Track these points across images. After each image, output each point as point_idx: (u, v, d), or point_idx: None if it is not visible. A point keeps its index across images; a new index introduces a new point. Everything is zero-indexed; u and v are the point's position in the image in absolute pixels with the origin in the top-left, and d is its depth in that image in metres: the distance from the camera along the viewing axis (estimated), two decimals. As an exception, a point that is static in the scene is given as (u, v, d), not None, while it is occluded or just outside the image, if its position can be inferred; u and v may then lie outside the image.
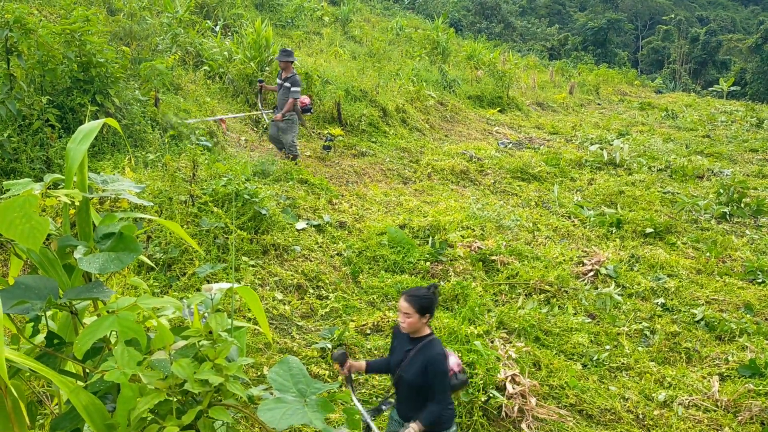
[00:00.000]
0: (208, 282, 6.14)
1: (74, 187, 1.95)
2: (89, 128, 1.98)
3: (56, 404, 2.20)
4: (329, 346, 5.55)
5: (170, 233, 6.37)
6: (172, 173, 7.05)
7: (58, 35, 8.06)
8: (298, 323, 5.97)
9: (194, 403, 1.51)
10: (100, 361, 1.66)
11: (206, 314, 1.74)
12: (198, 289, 5.90)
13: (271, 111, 10.45)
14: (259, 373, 5.04)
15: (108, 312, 1.58)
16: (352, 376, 3.74)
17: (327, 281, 6.71)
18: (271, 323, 5.81)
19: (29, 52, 7.77)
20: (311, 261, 6.98)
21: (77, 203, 1.78)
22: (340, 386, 3.49)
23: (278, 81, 10.02)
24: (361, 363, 3.71)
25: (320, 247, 7.37)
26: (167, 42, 12.56)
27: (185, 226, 6.53)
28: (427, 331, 3.58)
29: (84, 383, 1.72)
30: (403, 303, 3.47)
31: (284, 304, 6.15)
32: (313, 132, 12.67)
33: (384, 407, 3.75)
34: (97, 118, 8.23)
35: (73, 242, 1.82)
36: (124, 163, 7.48)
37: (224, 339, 1.57)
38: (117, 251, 1.76)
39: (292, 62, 9.91)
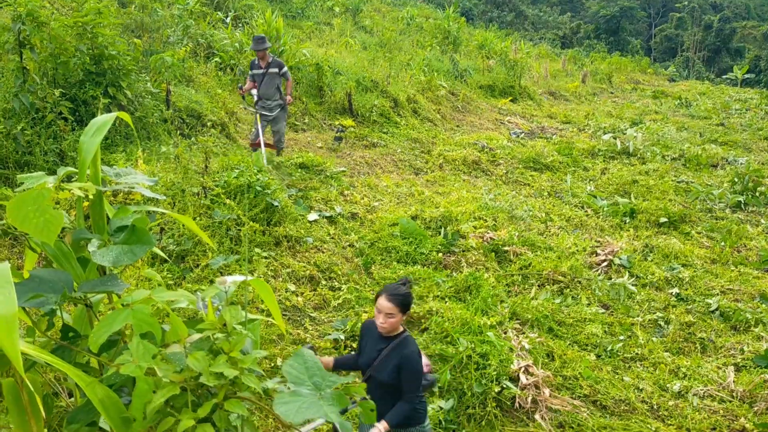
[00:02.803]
0: (222, 274, 6.16)
1: (87, 180, 1.95)
2: (102, 121, 1.98)
3: (72, 397, 2.21)
4: (342, 337, 5.56)
5: (183, 225, 6.39)
6: (185, 165, 7.07)
7: (71, 28, 8.10)
8: (311, 314, 5.98)
9: (209, 396, 1.51)
10: (115, 354, 1.66)
11: (221, 307, 1.74)
12: (212, 281, 5.92)
13: (254, 107, 9.68)
14: (273, 364, 5.06)
15: (123, 305, 1.58)
16: None
17: (339, 272, 6.71)
18: (284, 315, 5.83)
19: (42, 45, 7.81)
20: (323, 252, 6.98)
21: (91, 196, 1.78)
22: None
23: (255, 72, 9.48)
24: (328, 359, 3.57)
25: (332, 238, 7.37)
26: (178, 34, 12.58)
27: (198, 218, 6.55)
28: (401, 328, 3.44)
29: (99, 376, 1.73)
30: (385, 303, 3.30)
31: (297, 295, 6.16)
32: (325, 123, 12.66)
33: (351, 406, 3.67)
34: (110, 111, 8.29)
35: (88, 235, 1.82)
36: (137, 155, 7.50)
37: (239, 332, 1.57)
38: (130, 244, 1.76)
39: (268, 48, 9.53)
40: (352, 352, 3.89)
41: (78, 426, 1.52)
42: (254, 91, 9.51)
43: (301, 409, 1.40)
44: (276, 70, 9.45)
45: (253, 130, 9.52)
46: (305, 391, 1.46)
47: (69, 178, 2.02)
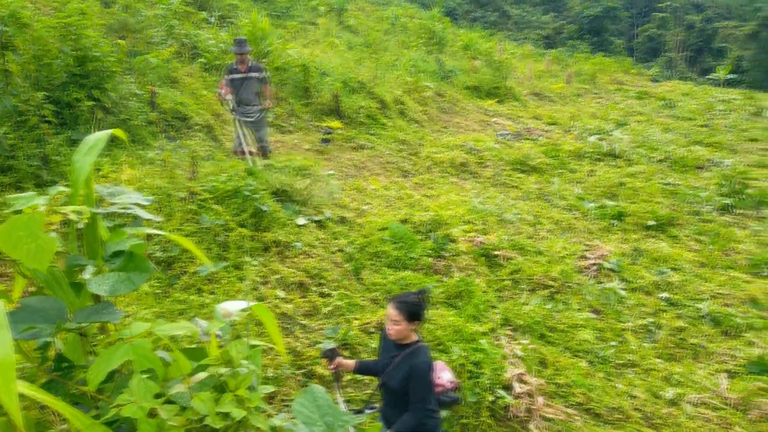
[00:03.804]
0: (210, 281, 6.06)
1: (81, 200, 1.86)
2: (95, 139, 1.89)
3: (65, 422, 2.11)
4: (333, 345, 5.47)
5: (170, 231, 6.27)
6: (171, 170, 6.95)
7: (54, 29, 7.94)
8: (301, 322, 5.89)
9: (214, 436, 1.43)
10: (113, 389, 1.57)
11: (223, 337, 1.65)
12: (200, 289, 5.82)
13: (231, 110, 9.28)
14: (264, 375, 4.97)
15: (122, 339, 1.50)
16: (340, 374, 3.63)
17: (329, 278, 6.62)
18: (274, 322, 5.72)
19: (25, 47, 7.65)
20: (313, 258, 6.89)
21: (85, 220, 1.69)
22: (364, 407, 3.38)
23: (234, 76, 9.09)
24: (351, 363, 3.58)
25: (321, 243, 7.28)
26: (162, 34, 12.41)
27: (184, 224, 6.43)
28: (415, 337, 3.44)
29: (94, 405, 1.64)
30: (391, 310, 3.33)
31: (286, 302, 6.07)
32: (311, 125, 12.55)
33: (368, 410, 3.64)
34: (94, 113, 8.14)
35: (82, 261, 1.73)
36: (122, 159, 7.36)
37: (246, 367, 1.49)
38: (128, 271, 1.68)
39: (249, 52, 9.26)
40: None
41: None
42: (229, 97, 9.06)
43: (313, 453, 1.32)
44: (256, 74, 9.17)
45: (235, 137, 9.20)
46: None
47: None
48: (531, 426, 5.01)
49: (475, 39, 25.98)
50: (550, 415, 5.16)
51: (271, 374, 4.96)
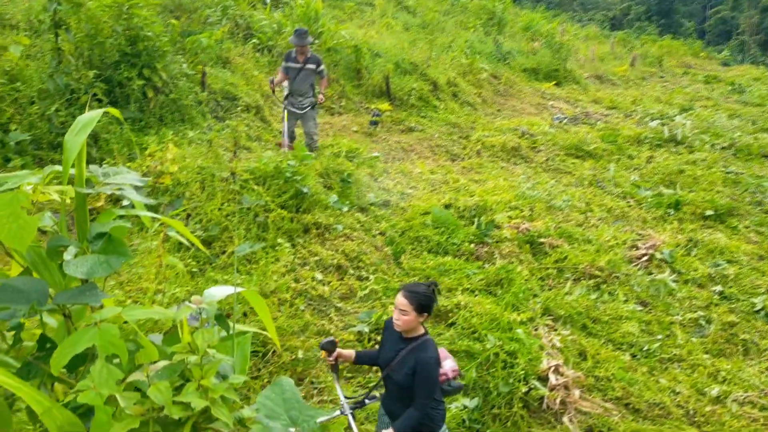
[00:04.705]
0: (249, 261, 6.10)
1: (71, 180, 1.85)
2: (88, 118, 1.86)
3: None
4: (366, 329, 5.44)
5: (211, 210, 6.33)
6: (215, 150, 7.01)
7: (107, 8, 8.06)
8: (337, 305, 5.87)
9: (178, 427, 1.39)
10: (84, 374, 1.55)
11: (206, 324, 1.61)
12: (237, 269, 5.87)
13: (285, 101, 9.11)
14: (294, 357, 4.97)
15: (93, 323, 1.47)
16: (339, 365, 3.58)
17: (368, 262, 6.58)
18: (309, 304, 5.73)
19: (77, 26, 7.80)
20: (353, 240, 6.85)
21: (68, 200, 1.67)
22: (341, 412, 3.32)
23: (291, 65, 8.86)
24: (350, 352, 3.50)
25: (362, 226, 7.23)
26: (217, 14, 12.51)
27: (226, 204, 6.48)
28: (422, 330, 3.33)
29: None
30: (401, 299, 3.22)
31: (323, 284, 6.05)
32: (361, 107, 12.49)
33: (368, 401, 3.56)
34: (144, 92, 8.28)
35: (65, 242, 1.71)
36: (168, 138, 7.47)
37: (212, 356, 1.44)
38: (107, 254, 1.65)
39: (310, 44, 9.03)
40: (376, 346, 3.80)
41: (38, 453, 1.42)
42: (286, 83, 8.95)
43: (271, 449, 1.26)
44: (313, 66, 8.87)
45: (284, 131, 9.05)
46: (278, 427, 1.33)
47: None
48: (565, 419, 4.87)
49: (537, 20, 25.35)
50: (586, 409, 5.01)
51: (302, 356, 4.96)
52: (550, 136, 12.55)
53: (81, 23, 7.78)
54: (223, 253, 6.07)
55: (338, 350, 3.42)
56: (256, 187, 6.64)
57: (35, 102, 7.25)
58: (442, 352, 3.45)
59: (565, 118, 15.18)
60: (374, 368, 4.68)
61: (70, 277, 1.79)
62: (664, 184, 10.54)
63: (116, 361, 1.48)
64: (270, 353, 4.92)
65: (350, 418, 3.27)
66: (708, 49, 39.40)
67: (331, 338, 3.43)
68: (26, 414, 1.65)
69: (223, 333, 1.79)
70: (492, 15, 23.55)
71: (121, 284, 5.16)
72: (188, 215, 6.25)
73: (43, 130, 7.09)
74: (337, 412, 3.25)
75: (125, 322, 1.63)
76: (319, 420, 1.35)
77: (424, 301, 3.21)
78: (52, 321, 1.93)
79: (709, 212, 9.12)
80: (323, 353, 3.41)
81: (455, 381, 3.41)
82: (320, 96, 8.95)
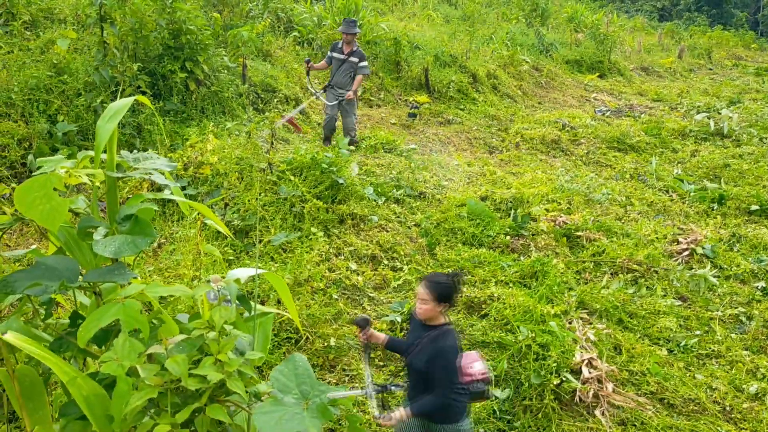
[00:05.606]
0: (284, 251, 6.20)
1: (102, 165, 1.93)
2: (119, 106, 1.94)
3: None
4: (399, 319, 5.49)
5: (248, 200, 6.45)
6: (254, 141, 7.13)
7: (151, 2, 8.26)
8: (370, 294, 5.93)
9: (197, 398, 1.45)
10: (110, 347, 1.63)
11: (226, 303, 1.67)
12: (272, 258, 5.97)
13: (322, 91, 9.39)
14: (326, 344, 5.05)
15: (118, 299, 1.54)
16: (371, 347, 3.60)
17: (402, 252, 6.62)
18: (343, 293, 5.81)
19: (122, 20, 8.00)
20: (388, 231, 6.90)
21: (98, 183, 1.74)
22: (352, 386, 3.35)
23: (335, 55, 9.04)
24: (383, 336, 3.55)
25: (398, 217, 7.27)
26: (260, 8, 12.66)
27: (263, 194, 6.60)
28: (443, 320, 3.37)
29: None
30: (421, 289, 3.29)
31: (358, 274, 6.12)
32: (400, 99, 12.51)
33: (391, 387, 3.57)
34: (186, 85, 8.45)
35: (95, 223, 1.80)
36: (209, 129, 7.62)
37: (229, 333, 1.50)
38: (134, 234, 1.72)
39: (357, 34, 9.14)
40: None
41: (66, 421, 1.50)
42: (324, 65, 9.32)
43: (281, 421, 1.31)
44: (356, 60, 8.96)
45: (324, 116, 9.28)
46: (290, 401, 1.37)
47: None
48: (597, 412, 4.83)
49: (581, 10, 24.95)
50: (619, 403, 4.96)
51: (334, 344, 5.04)
52: (592, 129, 12.37)
53: (126, 17, 7.99)
54: (260, 242, 6.19)
55: (371, 330, 3.46)
56: (292, 178, 6.74)
57: (81, 94, 7.48)
58: (474, 354, 3.47)
59: (608, 110, 14.94)
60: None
61: (100, 257, 1.88)
62: (709, 178, 10.30)
63: (140, 336, 1.56)
64: (303, 339, 5.01)
65: (372, 400, 3.31)
66: (760, 40, 38.24)
67: (366, 316, 3.48)
68: (61, 387, 1.74)
69: (246, 314, 1.86)
70: (535, 6, 23.31)
71: (160, 270, 5.31)
72: (226, 204, 6.38)
73: (89, 122, 7.31)
74: (360, 391, 3.30)
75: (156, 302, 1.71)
76: (330, 395, 1.40)
77: (443, 291, 3.25)
78: (85, 300, 2.02)
79: (754, 207, 8.88)
80: (357, 329, 3.46)
81: (480, 384, 3.42)
82: (349, 93, 8.99)
